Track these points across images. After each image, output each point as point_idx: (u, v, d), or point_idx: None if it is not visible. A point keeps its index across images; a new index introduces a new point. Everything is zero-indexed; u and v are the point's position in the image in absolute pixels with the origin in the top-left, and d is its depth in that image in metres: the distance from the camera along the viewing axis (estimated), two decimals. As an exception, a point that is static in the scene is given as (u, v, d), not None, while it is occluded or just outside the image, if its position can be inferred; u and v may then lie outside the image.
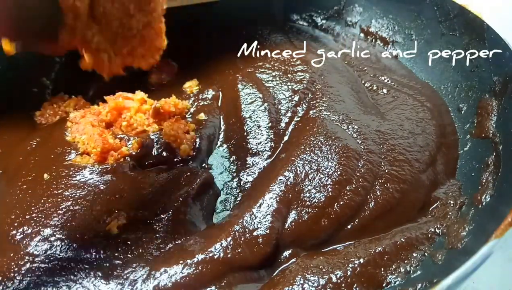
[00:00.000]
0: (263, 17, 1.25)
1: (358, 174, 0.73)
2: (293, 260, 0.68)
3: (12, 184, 0.74)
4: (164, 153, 0.79)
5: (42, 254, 0.64)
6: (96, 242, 0.66)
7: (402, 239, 0.69)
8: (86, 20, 0.56)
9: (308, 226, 0.68)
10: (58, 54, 0.61)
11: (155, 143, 0.79)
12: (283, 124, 0.84)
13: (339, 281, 0.63)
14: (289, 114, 0.86)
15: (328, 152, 0.75)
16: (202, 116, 0.89)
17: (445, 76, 0.99)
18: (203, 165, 0.83)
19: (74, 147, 0.78)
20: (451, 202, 0.75)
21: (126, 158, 0.78)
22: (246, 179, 0.79)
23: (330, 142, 0.76)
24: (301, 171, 0.73)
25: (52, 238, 0.66)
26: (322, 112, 0.84)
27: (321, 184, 0.71)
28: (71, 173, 0.75)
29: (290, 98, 0.88)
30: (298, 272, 0.64)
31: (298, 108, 0.87)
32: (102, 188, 0.73)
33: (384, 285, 0.64)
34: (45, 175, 0.74)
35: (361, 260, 0.65)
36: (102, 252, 0.65)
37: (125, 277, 0.62)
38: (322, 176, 0.72)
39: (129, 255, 0.65)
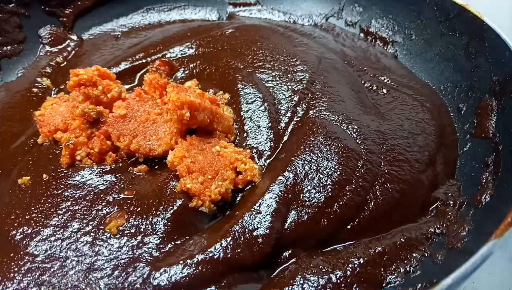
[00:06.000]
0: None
1: (357, 174, 0.73)
2: (293, 260, 0.68)
3: (11, 184, 0.74)
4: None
5: (42, 254, 0.65)
6: (96, 242, 0.66)
7: (402, 239, 0.69)
8: None
9: (308, 226, 0.68)
10: None
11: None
12: (283, 124, 0.84)
13: (339, 281, 0.63)
14: (289, 114, 0.86)
15: (328, 152, 0.75)
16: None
17: (445, 76, 0.99)
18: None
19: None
20: (451, 202, 0.75)
21: (124, 158, 0.78)
22: (246, 179, 0.79)
23: (330, 142, 0.76)
24: (301, 171, 0.73)
25: (52, 238, 0.66)
26: (321, 112, 0.84)
27: (321, 184, 0.71)
28: (70, 173, 0.75)
29: (290, 98, 0.88)
30: (298, 272, 0.64)
31: (298, 108, 0.87)
32: (101, 188, 0.73)
33: (384, 285, 0.64)
34: (44, 175, 0.75)
35: (361, 260, 0.66)
36: (102, 252, 0.65)
37: (125, 277, 0.62)
38: (321, 176, 0.72)
39: (129, 255, 0.65)
